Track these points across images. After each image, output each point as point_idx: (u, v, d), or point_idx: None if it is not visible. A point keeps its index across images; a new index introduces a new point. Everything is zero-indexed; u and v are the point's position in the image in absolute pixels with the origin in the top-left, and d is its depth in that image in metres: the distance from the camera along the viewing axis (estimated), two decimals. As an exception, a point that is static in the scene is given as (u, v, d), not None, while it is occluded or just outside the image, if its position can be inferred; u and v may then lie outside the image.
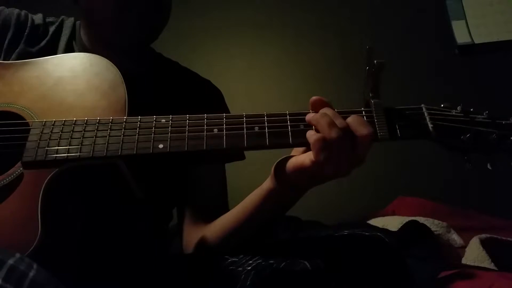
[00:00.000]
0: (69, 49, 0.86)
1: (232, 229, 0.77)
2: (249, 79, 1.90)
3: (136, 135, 0.62)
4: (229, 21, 1.92)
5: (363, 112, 0.63)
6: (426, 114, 0.63)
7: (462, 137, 0.62)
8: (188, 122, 0.63)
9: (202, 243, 0.82)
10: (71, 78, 0.71)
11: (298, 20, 1.92)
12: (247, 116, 0.63)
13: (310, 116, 0.61)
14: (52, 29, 0.88)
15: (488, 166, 0.62)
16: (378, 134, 0.61)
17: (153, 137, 0.62)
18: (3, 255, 0.47)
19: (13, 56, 0.82)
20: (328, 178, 0.62)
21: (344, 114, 0.61)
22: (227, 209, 0.84)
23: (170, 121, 0.63)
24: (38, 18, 0.89)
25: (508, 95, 1.58)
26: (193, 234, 0.86)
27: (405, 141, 0.63)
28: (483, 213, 1.38)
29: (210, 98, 0.96)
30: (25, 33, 0.85)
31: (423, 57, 1.79)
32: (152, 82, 0.89)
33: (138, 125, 0.63)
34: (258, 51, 1.92)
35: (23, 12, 0.89)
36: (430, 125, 0.62)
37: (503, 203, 1.42)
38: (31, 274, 0.46)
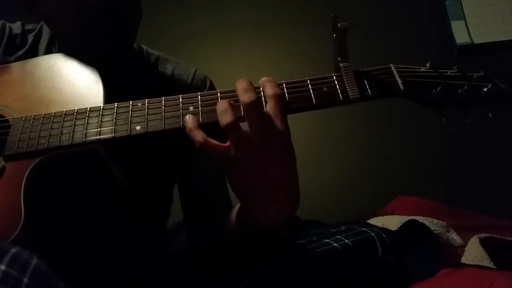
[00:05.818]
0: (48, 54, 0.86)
1: (230, 229, 0.77)
2: (249, 79, 1.90)
3: (113, 119, 0.64)
4: (228, 21, 1.93)
5: (334, 77, 0.64)
6: (395, 72, 0.64)
7: (433, 91, 0.63)
8: (164, 103, 0.65)
9: (206, 237, 0.82)
10: (49, 76, 0.74)
11: (298, 20, 1.93)
12: (221, 93, 0.65)
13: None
14: (30, 37, 0.89)
15: (466, 119, 0.62)
16: (350, 95, 0.62)
17: (131, 119, 0.64)
18: (5, 244, 0.49)
19: None
20: (262, 167, 0.56)
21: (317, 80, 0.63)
22: (228, 199, 0.84)
23: (146, 103, 0.65)
24: (16, 27, 0.90)
25: (508, 95, 1.58)
26: (196, 227, 0.86)
27: (377, 100, 0.64)
28: (483, 212, 1.38)
29: (195, 87, 0.96)
30: (3, 43, 0.85)
31: (423, 57, 1.79)
32: (131, 78, 0.89)
33: (115, 110, 0.65)
34: (258, 51, 1.93)
35: (0, 22, 0.89)
36: (399, 82, 0.63)
37: (502, 203, 1.42)
38: (34, 262, 0.48)
